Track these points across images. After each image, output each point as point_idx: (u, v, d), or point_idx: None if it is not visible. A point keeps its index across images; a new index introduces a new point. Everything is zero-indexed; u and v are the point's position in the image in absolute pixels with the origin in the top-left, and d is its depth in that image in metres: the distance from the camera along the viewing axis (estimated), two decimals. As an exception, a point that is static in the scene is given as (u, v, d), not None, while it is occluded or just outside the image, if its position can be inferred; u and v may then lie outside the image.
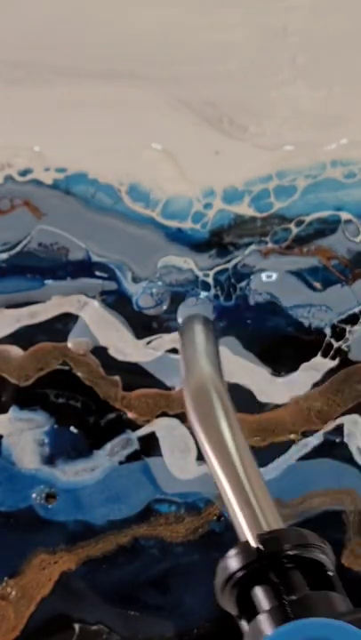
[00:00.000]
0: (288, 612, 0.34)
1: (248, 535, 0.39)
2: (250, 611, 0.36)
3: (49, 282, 0.56)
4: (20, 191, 0.55)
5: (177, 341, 0.55)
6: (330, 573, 0.37)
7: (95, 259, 0.55)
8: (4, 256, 0.55)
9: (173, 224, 0.55)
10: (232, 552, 0.38)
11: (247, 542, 0.38)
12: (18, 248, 0.55)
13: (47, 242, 0.55)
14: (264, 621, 0.34)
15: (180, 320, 0.55)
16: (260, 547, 0.37)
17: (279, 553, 0.37)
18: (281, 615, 0.34)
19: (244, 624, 0.36)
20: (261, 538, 0.38)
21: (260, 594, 0.36)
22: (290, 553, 0.37)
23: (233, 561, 0.37)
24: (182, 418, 0.56)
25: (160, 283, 0.56)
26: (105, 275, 0.56)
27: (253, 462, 0.43)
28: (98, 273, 0.56)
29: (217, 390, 0.47)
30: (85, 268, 0.56)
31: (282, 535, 0.38)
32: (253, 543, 0.38)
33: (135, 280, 0.56)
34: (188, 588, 0.56)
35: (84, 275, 0.56)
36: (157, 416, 0.56)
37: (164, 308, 0.56)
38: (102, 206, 0.55)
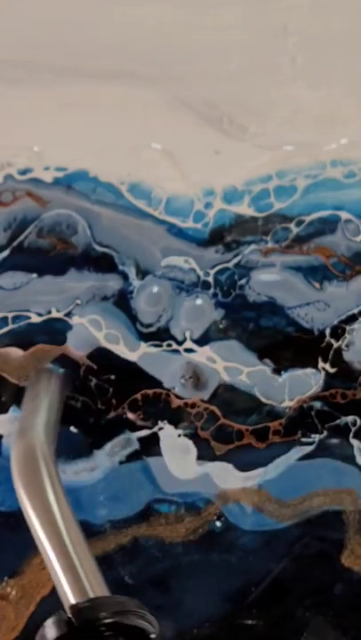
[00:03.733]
0: None
1: (67, 603, 0.39)
2: None
3: (49, 279, 0.56)
4: (22, 188, 0.55)
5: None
6: (152, 636, 0.37)
7: (96, 254, 0.56)
8: (6, 252, 0.55)
9: (174, 223, 0.56)
10: (49, 622, 0.37)
11: (61, 613, 0.37)
12: (20, 238, 0.55)
13: (47, 236, 0.55)
14: None
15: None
16: (72, 618, 0.37)
17: (94, 622, 0.36)
18: None
19: None
20: (75, 608, 0.37)
21: None
22: (106, 621, 0.36)
23: (49, 632, 0.37)
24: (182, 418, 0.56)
25: (160, 289, 0.56)
26: (106, 273, 0.56)
27: (78, 530, 0.43)
28: (99, 271, 0.56)
29: (44, 457, 0.46)
30: (86, 265, 0.56)
31: (98, 604, 0.38)
32: (66, 614, 0.37)
33: (138, 277, 0.56)
34: (188, 588, 0.56)
35: (83, 272, 0.56)
36: (158, 417, 0.56)
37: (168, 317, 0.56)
38: (104, 200, 0.55)
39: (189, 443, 0.56)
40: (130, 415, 0.56)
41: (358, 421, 0.57)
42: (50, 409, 0.51)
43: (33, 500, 0.44)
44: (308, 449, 0.56)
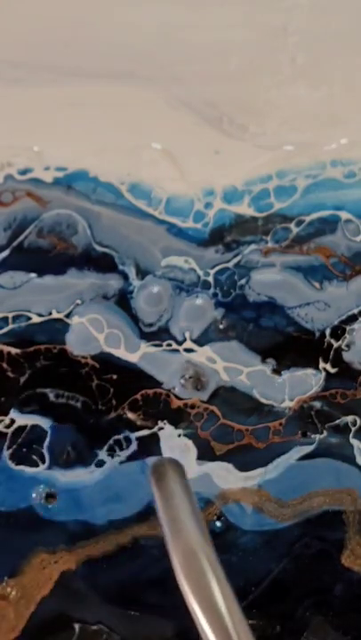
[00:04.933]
0: None
1: None
2: None
3: (49, 279, 0.56)
4: (22, 188, 0.55)
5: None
6: None
7: (96, 254, 0.56)
8: (6, 252, 0.55)
9: (174, 223, 0.56)
10: None
11: None
12: (20, 238, 0.55)
13: (47, 236, 0.55)
14: None
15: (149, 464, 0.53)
16: None
17: None
18: None
19: None
20: None
21: None
22: None
23: None
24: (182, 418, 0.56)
25: (160, 288, 0.56)
26: (106, 272, 0.56)
27: (248, 630, 0.42)
28: (99, 271, 0.56)
29: (208, 558, 0.45)
30: (86, 264, 0.56)
31: None
32: None
33: (138, 277, 0.56)
34: (188, 588, 0.56)
35: (83, 271, 0.56)
36: (158, 417, 0.56)
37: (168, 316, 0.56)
38: (104, 200, 0.55)
39: (189, 443, 0.56)
40: (130, 415, 0.56)
41: (358, 421, 0.57)
42: (190, 502, 0.49)
43: (203, 604, 0.43)
44: (309, 449, 0.56)
